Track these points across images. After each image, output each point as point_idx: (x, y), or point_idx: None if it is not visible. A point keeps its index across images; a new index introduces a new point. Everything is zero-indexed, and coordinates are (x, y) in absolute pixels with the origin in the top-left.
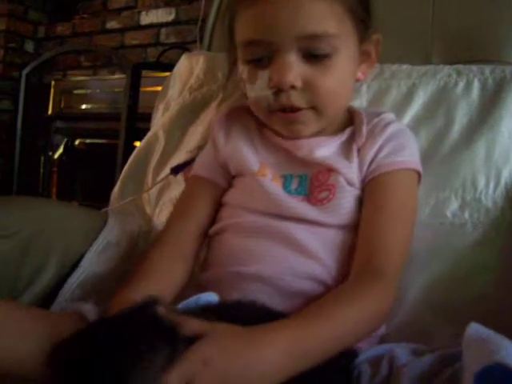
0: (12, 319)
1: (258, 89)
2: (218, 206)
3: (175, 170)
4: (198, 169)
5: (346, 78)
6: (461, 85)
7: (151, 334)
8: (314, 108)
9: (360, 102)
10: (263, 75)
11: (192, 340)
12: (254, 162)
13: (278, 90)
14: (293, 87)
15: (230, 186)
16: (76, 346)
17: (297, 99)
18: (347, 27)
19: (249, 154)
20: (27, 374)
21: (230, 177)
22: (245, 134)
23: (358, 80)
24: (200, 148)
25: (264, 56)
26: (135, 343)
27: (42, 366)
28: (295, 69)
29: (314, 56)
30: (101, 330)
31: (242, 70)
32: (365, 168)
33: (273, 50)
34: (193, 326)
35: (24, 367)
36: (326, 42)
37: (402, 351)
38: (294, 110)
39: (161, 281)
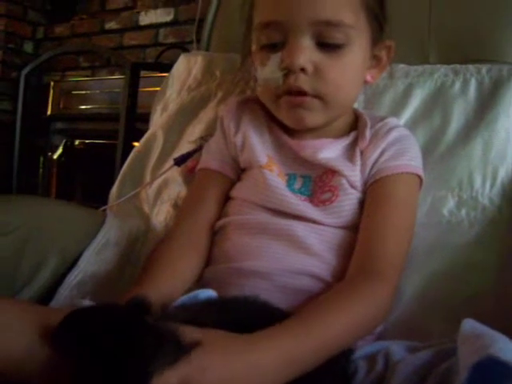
0: None
1: (268, 71)
2: (226, 199)
3: (178, 161)
4: (207, 162)
5: (354, 73)
6: (458, 84)
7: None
8: (319, 97)
9: (357, 101)
10: (275, 57)
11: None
12: (263, 154)
13: (288, 72)
14: (303, 70)
15: (238, 179)
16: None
17: (304, 83)
18: (362, 22)
19: (258, 145)
20: (11, 367)
21: (239, 169)
22: (254, 125)
23: (366, 82)
24: (202, 139)
25: (279, 42)
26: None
27: (27, 359)
28: (308, 53)
29: (327, 45)
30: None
31: (255, 56)
32: (367, 171)
33: (288, 34)
34: (185, 334)
35: (8, 360)
36: (340, 32)
37: (397, 348)
38: (300, 93)
39: (175, 282)
